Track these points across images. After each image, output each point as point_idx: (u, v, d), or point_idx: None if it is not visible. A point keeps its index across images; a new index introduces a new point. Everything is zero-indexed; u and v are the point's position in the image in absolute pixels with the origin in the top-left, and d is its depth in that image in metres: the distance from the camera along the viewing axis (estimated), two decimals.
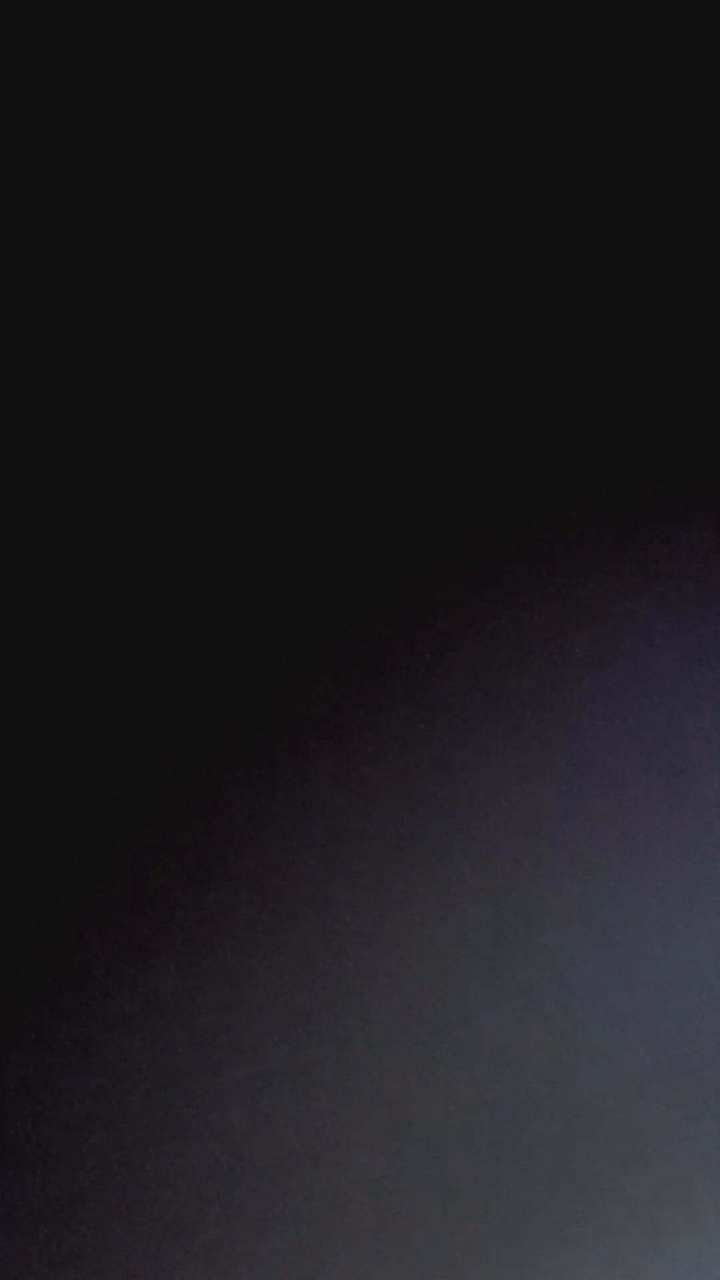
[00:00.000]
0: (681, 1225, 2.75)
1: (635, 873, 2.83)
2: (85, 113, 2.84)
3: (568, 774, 2.85)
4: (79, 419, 2.81)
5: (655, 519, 2.95)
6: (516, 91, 2.95)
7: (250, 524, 2.85)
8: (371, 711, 2.83)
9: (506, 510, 2.92)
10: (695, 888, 2.84)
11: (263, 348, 2.86)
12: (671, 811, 2.86)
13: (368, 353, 2.90)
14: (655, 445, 2.98)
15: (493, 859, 2.81)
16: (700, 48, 2.98)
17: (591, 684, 2.88)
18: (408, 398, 2.91)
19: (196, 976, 2.72)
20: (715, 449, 2.98)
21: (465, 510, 2.92)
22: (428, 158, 2.93)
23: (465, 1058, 2.76)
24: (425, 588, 2.88)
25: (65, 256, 2.81)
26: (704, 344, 3.01)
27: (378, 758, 2.82)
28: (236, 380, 2.86)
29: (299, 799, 2.77)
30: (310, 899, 2.75)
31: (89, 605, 2.79)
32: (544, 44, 2.94)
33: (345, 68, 2.88)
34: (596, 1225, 2.73)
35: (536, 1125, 2.76)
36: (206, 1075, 2.69)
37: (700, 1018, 2.81)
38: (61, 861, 2.73)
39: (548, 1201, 2.74)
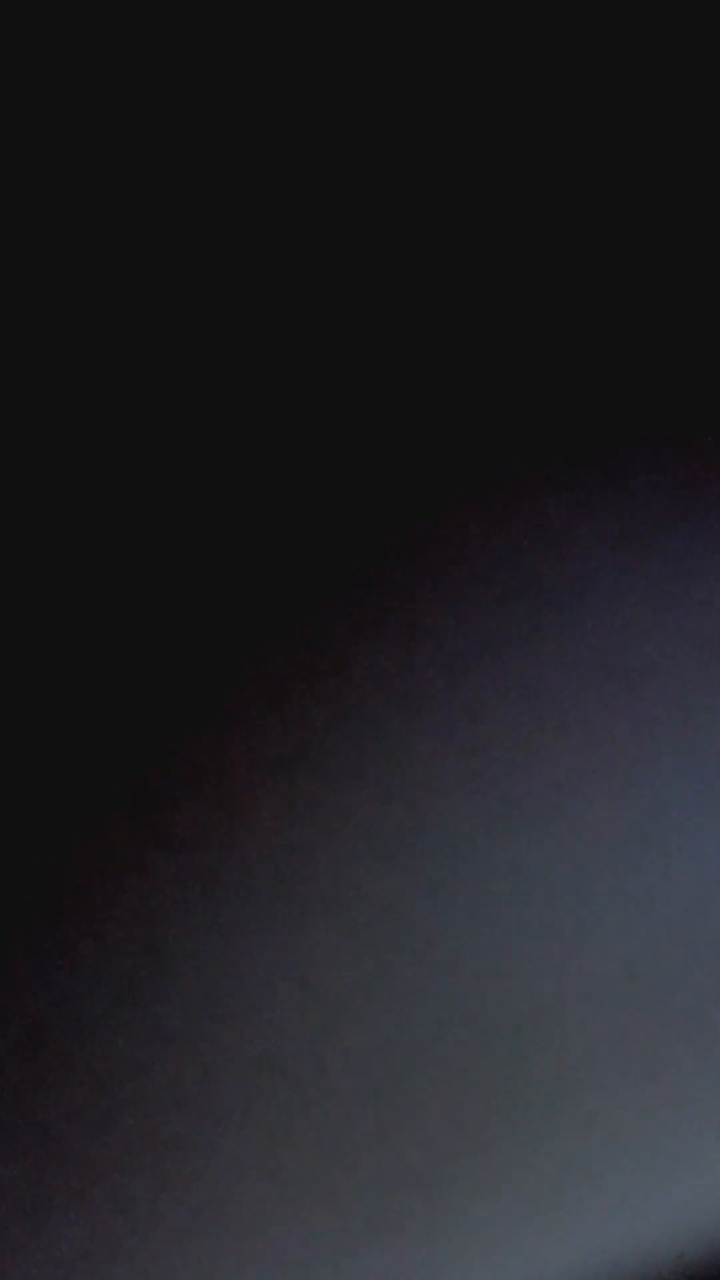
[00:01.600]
0: (646, 1124, 2.78)
1: (595, 778, 2.86)
2: (85, 112, 2.87)
3: (567, 631, 2.87)
4: (64, 400, 2.84)
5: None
6: (504, 43, 2.98)
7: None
8: (366, 582, 2.86)
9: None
10: (660, 793, 2.87)
11: (253, 329, 2.89)
12: (632, 718, 2.89)
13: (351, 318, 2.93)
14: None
15: (468, 764, 2.84)
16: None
17: (593, 544, 2.89)
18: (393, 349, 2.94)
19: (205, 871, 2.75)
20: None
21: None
22: (419, 130, 2.96)
23: (427, 967, 2.79)
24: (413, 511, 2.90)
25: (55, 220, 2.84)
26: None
27: (376, 625, 2.85)
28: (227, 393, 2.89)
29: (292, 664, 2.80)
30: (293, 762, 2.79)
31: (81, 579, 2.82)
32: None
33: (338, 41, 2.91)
34: (557, 1118, 2.76)
35: (500, 1032, 2.79)
36: (181, 988, 2.73)
37: (667, 919, 2.84)
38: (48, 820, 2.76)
39: (503, 1094, 2.77)
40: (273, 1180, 2.70)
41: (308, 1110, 2.77)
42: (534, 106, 3.01)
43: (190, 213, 2.93)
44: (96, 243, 2.90)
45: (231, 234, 2.94)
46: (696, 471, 3.01)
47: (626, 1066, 2.81)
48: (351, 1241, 2.70)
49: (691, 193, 3.04)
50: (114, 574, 2.82)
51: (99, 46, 2.88)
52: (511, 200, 3.02)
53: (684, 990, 2.82)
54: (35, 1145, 2.71)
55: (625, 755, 2.89)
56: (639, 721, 2.91)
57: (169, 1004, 2.74)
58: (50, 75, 2.86)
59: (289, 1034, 2.77)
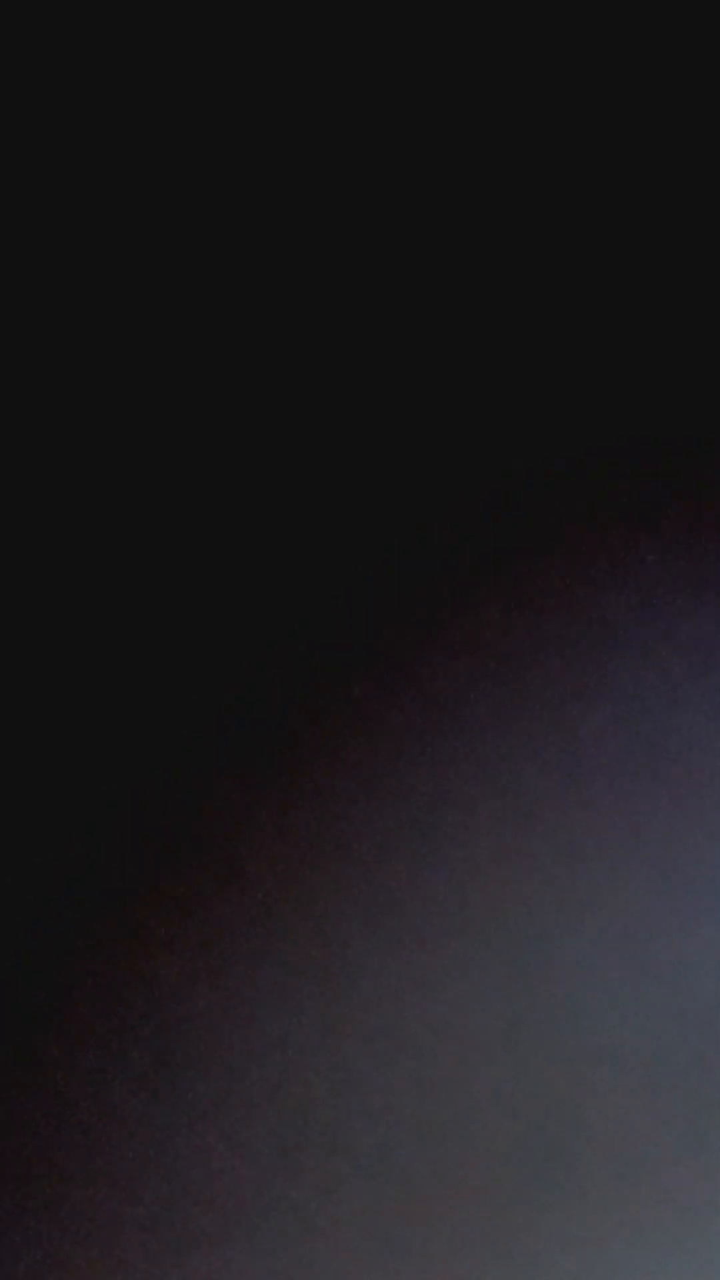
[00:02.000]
0: (672, 1216, 2.76)
1: (629, 858, 2.85)
2: (85, 112, 2.85)
3: (561, 758, 2.86)
4: (75, 418, 2.82)
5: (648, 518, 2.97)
6: (504, 47, 2.97)
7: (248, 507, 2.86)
8: (368, 702, 2.84)
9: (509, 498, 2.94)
10: (690, 874, 2.86)
11: (258, 350, 2.87)
12: (666, 804, 2.88)
13: (363, 354, 2.91)
14: (645, 446, 3.00)
15: (486, 845, 2.82)
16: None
17: (585, 672, 2.89)
18: (404, 391, 2.93)
19: (193, 964, 2.73)
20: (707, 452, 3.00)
21: (469, 511, 2.93)
22: (421, 135, 2.94)
23: (458, 1045, 2.77)
24: (427, 585, 2.89)
25: (58, 224, 2.81)
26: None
27: (374, 746, 2.83)
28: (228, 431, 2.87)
29: (292, 787, 2.78)
30: (299, 884, 2.76)
31: (92, 616, 2.80)
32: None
33: (335, 39, 2.90)
34: (589, 1211, 2.74)
35: (528, 1111, 2.77)
36: (201, 1063, 2.70)
37: (694, 1005, 2.83)
38: (58, 849, 2.74)
39: (540, 1187, 2.75)
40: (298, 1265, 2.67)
41: (331, 1194, 2.74)
42: (536, 107, 3.00)
43: (193, 215, 2.91)
44: (104, 249, 2.88)
45: (236, 248, 2.91)
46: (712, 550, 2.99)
47: (662, 1150, 2.79)
48: None
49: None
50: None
51: (100, 48, 2.87)
52: (527, 254, 3.01)
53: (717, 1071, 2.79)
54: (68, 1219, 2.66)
55: (658, 836, 2.87)
56: (673, 799, 2.89)
57: (200, 1082, 2.71)
58: (51, 77, 2.84)
59: (317, 1121, 2.74)
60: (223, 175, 2.89)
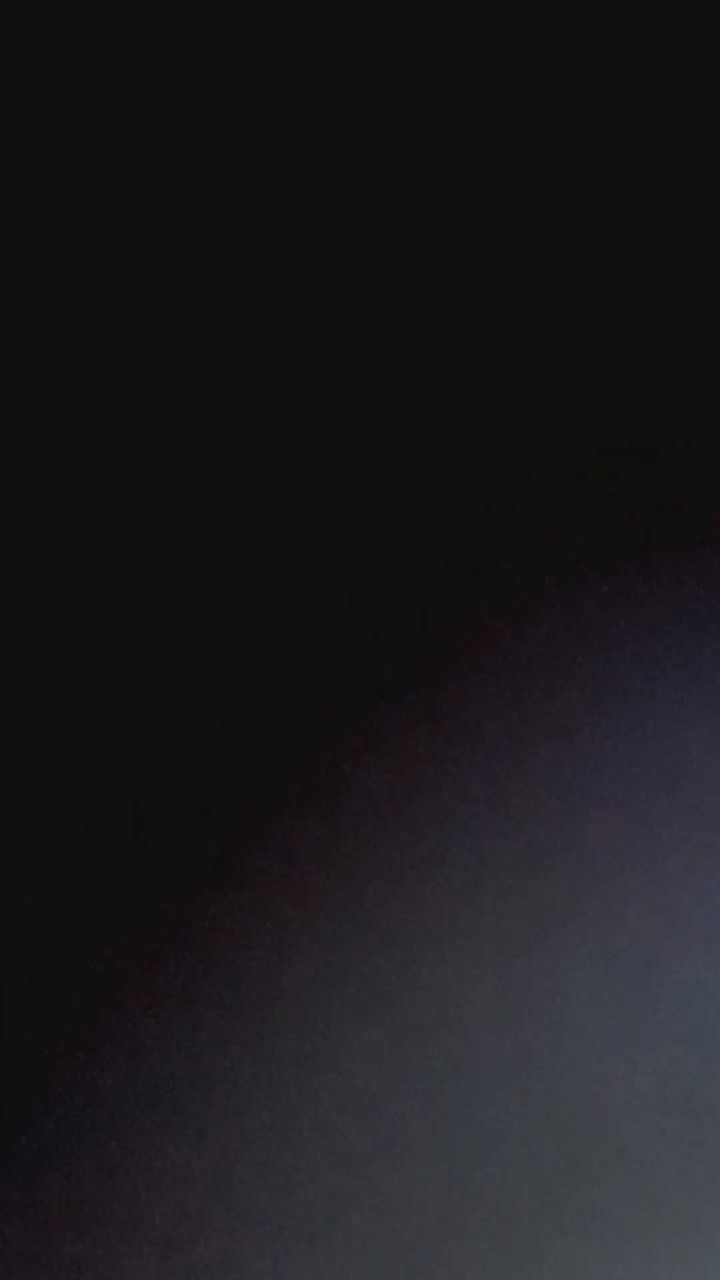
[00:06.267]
0: (684, 1242, 2.75)
1: (636, 887, 2.84)
2: (85, 111, 2.84)
3: (569, 787, 2.85)
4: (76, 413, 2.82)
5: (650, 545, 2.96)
6: (505, 40, 2.95)
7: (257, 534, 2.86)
8: (377, 724, 2.84)
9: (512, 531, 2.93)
10: (699, 897, 2.85)
11: (259, 353, 2.87)
12: (673, 825, 2.87)
13: (365, 360, 2.91)
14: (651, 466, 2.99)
15: (494, 872, 2.82)
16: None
17: (592, 697, 2.89)
18: (413, 412, 2.92)
19: (198, 984, 2.73)
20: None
21: (474, 541, 2.93)
22: (422, 127, 2.93)
23: (469, 1069, 2.77)
24: (433, 609, 2.89)
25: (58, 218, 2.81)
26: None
27: (382, 770, 2.83)
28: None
29: (301, 808, 2.78)
30: (306, 902, 2.76)
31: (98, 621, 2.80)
32: None
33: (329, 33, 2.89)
34: (596, 1239, 2.74)
35: (537, 1139, 2.76)
36: (207, 1084, 2.71)
37: (701, 1032, 2.82)
38: (63, 874, 2.75)
39: (546, 1215, 2.75)
40: None
41: (338, 1218, 2.74)
42: (538, 112, 2.98)
43: (190, 207, 2.89)
44: (102, 241, 2.86)
45: (238, 249, 2.90)
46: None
47: (672, 1173, 2.79)
48: None
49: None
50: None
51: (100, 49, 2.86)
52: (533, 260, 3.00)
53: None
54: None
55: (668, 858, 2.87)
56: (683, 819, 2.88)
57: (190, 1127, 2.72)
58: (52, 78, 2.83)
59: (325, 1144, 2.74)
60: (221, 172, 2.88)
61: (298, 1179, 2.69)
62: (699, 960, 2.81)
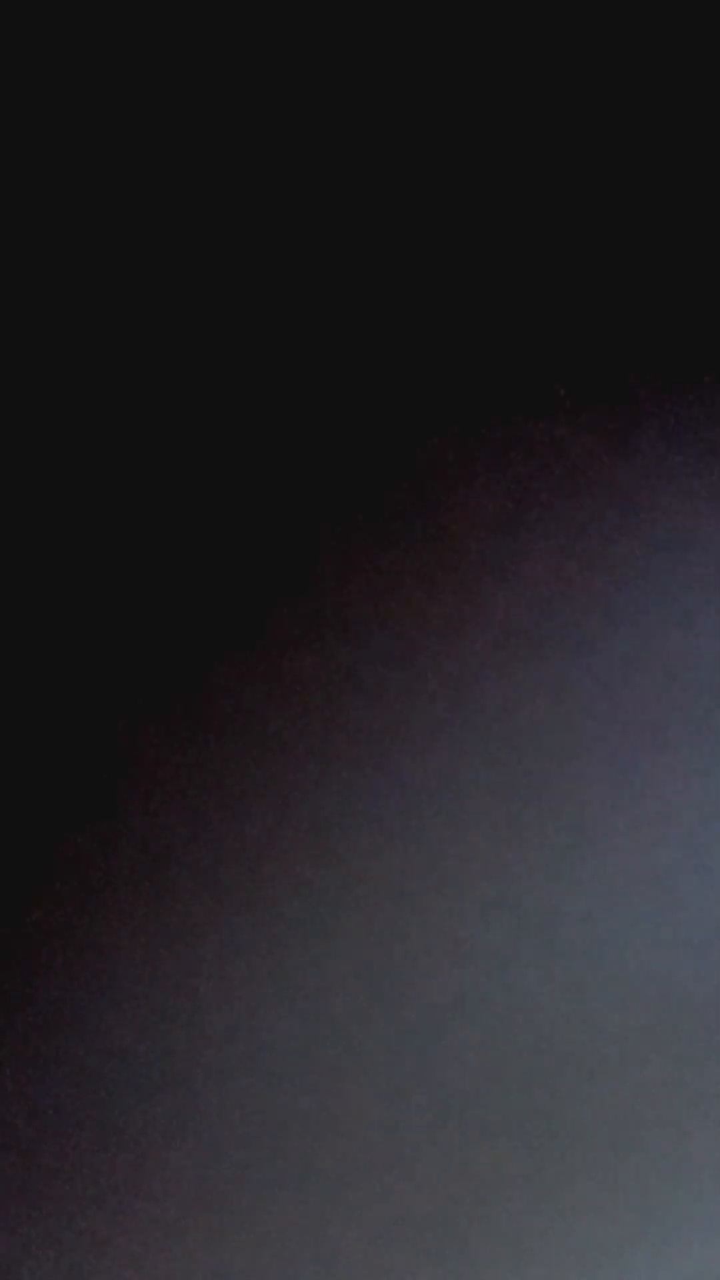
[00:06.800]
0: (683, 1182, 2.76)
1: (630, 828, 2.84)
2: (86, 111, 2.86)
3: (567, 698, 2.84)
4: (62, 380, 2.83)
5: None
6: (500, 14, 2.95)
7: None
8: (369, 677, 2.85)
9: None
10: (696, 825, 2.83)
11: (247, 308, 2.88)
12: (676, 745, 2.86)
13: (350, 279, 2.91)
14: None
15: (489, 819, 2.82)
16: None
17: (595, 601, 2.86)
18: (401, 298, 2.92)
19: (190, 957, 2.75)
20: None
21: (468, 482, 2.93)
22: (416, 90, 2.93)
23: (461, 1023, 2.78)
24: (433, 452, 2.84)
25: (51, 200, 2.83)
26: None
27: (373, 722, 2.84)
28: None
29: (293, 767, 2.79)
30: (298, 866, 2.78)
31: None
32: None
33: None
34: (594, 1181, 2.75)
35: (532, 1087, 2.77)
36: (203, 1044, 2.73)
37: (698, 961, 2.82)
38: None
39: (541, 1160, 2.76)
40: (283, 1239, 2.71)
41: (322, 1163, 2.77)
42: (540, 113, 2.98)
43: (182, 182, 2.89)
44: (94, 221, 2.87)
45: (231, 228, 2.90)
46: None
47: (662, 1114, 2.81)
48: None
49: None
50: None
51: (100, 49, 2.87)
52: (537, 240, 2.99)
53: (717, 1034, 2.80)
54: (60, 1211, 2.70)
55: (661, 794, 2.87)
56: (675, 755, 2.88)
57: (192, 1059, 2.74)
58: (52, 78, 2.84)
59: (308, 1088, 2.77)
60: (216, 150, 2.89)
61: (286, 1135, 2.71)
62: (692, 908, 2.82)
